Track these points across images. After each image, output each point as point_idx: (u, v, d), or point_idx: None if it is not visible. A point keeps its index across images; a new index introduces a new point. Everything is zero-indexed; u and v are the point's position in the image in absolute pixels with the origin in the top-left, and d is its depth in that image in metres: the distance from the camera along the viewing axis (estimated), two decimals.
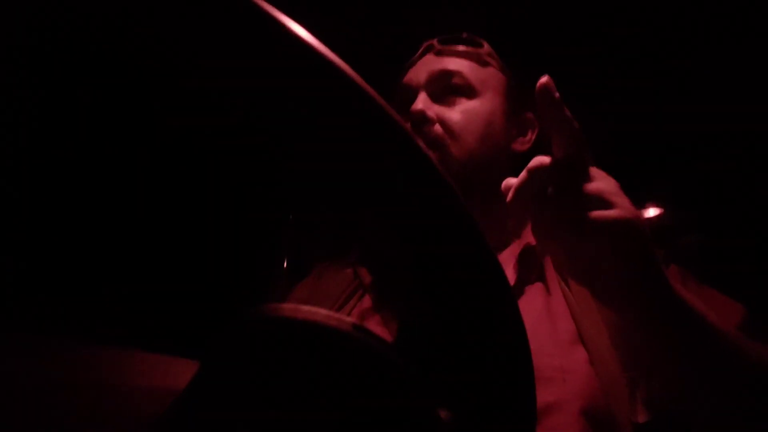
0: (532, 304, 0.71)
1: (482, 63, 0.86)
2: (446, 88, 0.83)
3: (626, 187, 0.48)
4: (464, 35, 0.89)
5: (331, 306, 0.77)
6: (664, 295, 0.48)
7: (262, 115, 0.30)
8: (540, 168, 0.47)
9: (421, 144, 0.28)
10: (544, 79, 0.47)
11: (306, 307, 0.28)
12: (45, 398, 0.31)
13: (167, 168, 0.35)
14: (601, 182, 0.46)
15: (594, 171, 0.47)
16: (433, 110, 0.80)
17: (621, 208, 0.45)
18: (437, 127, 0.79)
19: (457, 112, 0.81)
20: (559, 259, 0.49)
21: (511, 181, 0.49)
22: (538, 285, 0.73)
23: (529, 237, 0.79)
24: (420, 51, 0.89)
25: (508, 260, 0.78)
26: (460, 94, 0.83)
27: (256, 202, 0.36)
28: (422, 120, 0.78)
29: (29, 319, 0.34)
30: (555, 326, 0.67)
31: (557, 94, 0.47)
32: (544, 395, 0.60)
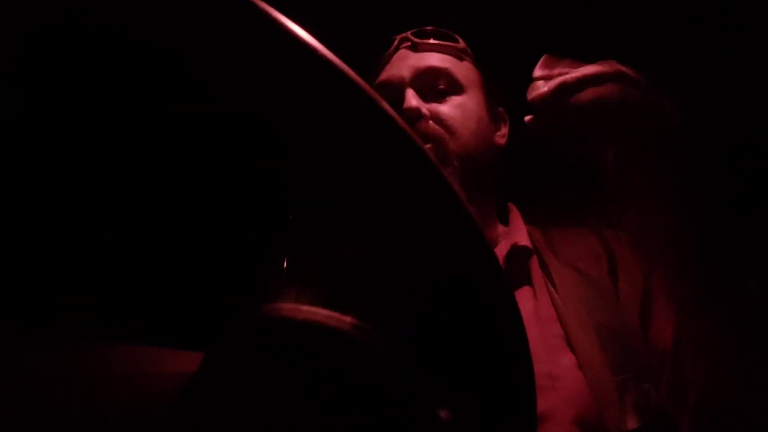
0: (520, 308, 0.70)
1: (460, 58, 0.86)
2: (433, 85, 0.82)
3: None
4: (438, 29, 0.88)
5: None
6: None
7: (263, 116, 0.30)
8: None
9: (419, 141, 0.28)
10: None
11: (306, 307, 0.28)
12: (52, 391, 0.31)
13: (167, 167, 0.35)
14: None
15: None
16: (425, 107, 0.80)
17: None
18: (432, 123, 0.79)
19: (450, 108, 0.81)
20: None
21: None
22: (526, 288, 0.73)
23: (516, 237, 0.79)
24: (394, 45, 0.87)
25: None
26: (447, 91, 0.82)
27: (256, 201, 0.36)
28: (417, 117, 0.78)
29: (36, 317, 0.35)
30: (543, 330, 0.66)
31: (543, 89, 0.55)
32: None
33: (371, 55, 0.89)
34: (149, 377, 0.33)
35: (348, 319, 0.28)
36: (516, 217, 0.85)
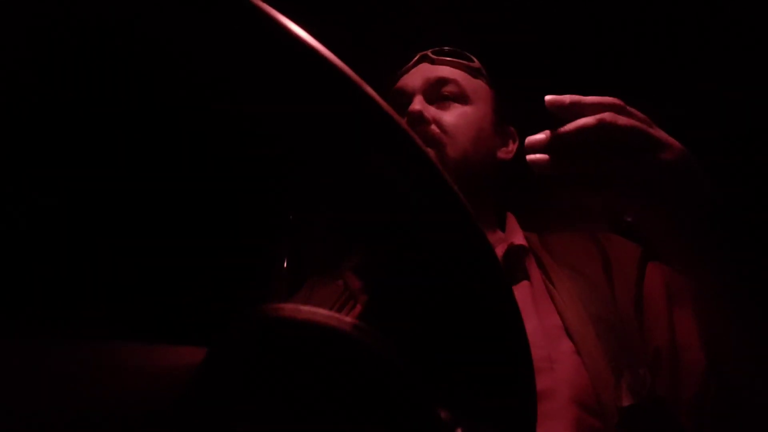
0: (519, 302, 0.72)
1: (473, 75, 0.93)
2: (441, 94, 0.89)
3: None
4: (456, 49, 0.96)
5: None
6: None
7: (264, 117, 0.30)
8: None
9: (420, 142, 0.28)
10: (548, 98, 0.50)
11: (306, 307, 0.28)
12: (56, 388, 0.31)
13: (169, 168, 0.35)
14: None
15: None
16: (429, 111, 0.85)
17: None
18: (434, 127, 0.84)
19: (452, 115, 0.86)
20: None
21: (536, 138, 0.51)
22: (524, 283, 0.77)
23: (512, 237, 0.84)
24: (414, 60, 0.95)
25: None
26: (453, 100, 0.89)
27: (256, 200, 0.36)
28: (420, 119, 0.83)
29: (37, 318, 0.35)
30: (542, 320, 0.70)
31: (566, 100, 0.50)
32: None
33: (373, 59, 0.93)
34: (152, 372, 0.33)
35: (348, 319, 0.28)
36: (512, 222, 0.90)
